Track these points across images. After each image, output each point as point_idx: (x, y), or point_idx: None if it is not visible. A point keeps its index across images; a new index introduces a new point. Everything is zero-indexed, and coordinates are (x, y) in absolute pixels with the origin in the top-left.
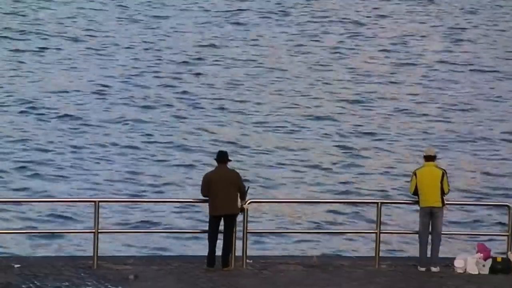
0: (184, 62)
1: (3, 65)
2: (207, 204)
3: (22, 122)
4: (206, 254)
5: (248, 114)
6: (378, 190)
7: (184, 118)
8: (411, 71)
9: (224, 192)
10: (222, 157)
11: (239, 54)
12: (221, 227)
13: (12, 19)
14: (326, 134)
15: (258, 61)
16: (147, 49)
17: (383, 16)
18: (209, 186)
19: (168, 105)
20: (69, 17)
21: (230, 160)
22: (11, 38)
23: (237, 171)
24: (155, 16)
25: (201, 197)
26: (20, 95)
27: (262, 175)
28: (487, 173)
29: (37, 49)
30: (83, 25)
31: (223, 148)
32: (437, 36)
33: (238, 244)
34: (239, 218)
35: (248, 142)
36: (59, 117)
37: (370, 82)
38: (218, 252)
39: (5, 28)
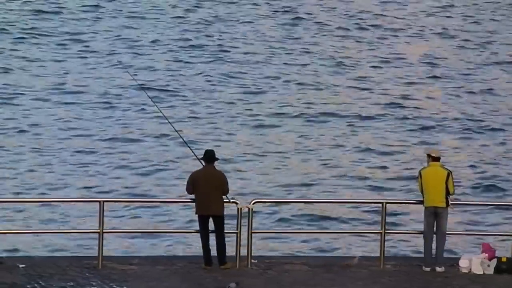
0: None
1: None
2: None
3: (28, 122)
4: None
5: (252, 113)
6: (383, 190)
7: (192, 117)
8: (418, 71)
9: (208, 192)
10: (209, 156)
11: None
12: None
13: None
14: (331, 133)
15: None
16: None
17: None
18: (194, 185)
19: (175, 105)
20: None
21: (217, 159)
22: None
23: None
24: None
25: None
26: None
27: (266, 175)
28: (492, 173)
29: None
30: None
31: (210, 147)
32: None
33: (243, 244)
34: (245, 218)
35: (253, 141)
36: (66, 116)
37: (373, 82)
38: (214, 251)
39: None
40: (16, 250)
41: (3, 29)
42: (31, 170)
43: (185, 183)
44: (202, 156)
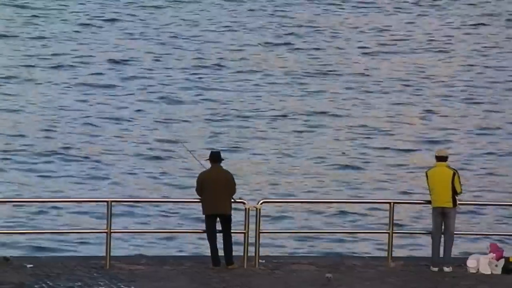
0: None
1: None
2: None
3: (37, 122)
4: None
5: (258, 113)
6: (391, 190)
7: (198, 118)
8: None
9: (217, 192)
10: (215, 157)
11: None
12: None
13: None
14: (338, 133)
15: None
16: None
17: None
18: (202, 185)
19: (182, 105)
20: None
21: (223, 160)
22: None
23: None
24: None
25: None
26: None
27: (274, 175)
28: (499, 173)
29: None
30: None
31: (217, 149)
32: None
33: (251, 244)
34: (252, 218)
35: (258, 141)
36: (74, 116)
37: (377, 81)
38: (222, 251)
39: None
40: (23, 250)
41: None
42: (39, 170)
43: (193, 183)
44: (209, 157)
